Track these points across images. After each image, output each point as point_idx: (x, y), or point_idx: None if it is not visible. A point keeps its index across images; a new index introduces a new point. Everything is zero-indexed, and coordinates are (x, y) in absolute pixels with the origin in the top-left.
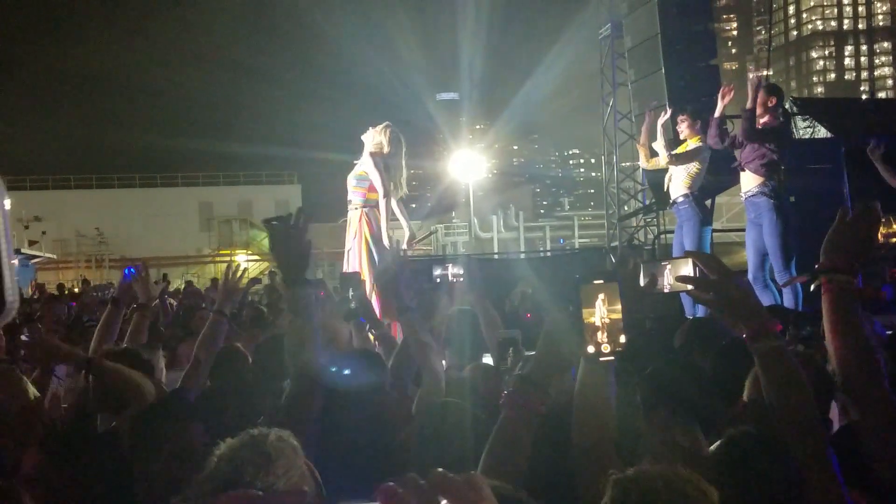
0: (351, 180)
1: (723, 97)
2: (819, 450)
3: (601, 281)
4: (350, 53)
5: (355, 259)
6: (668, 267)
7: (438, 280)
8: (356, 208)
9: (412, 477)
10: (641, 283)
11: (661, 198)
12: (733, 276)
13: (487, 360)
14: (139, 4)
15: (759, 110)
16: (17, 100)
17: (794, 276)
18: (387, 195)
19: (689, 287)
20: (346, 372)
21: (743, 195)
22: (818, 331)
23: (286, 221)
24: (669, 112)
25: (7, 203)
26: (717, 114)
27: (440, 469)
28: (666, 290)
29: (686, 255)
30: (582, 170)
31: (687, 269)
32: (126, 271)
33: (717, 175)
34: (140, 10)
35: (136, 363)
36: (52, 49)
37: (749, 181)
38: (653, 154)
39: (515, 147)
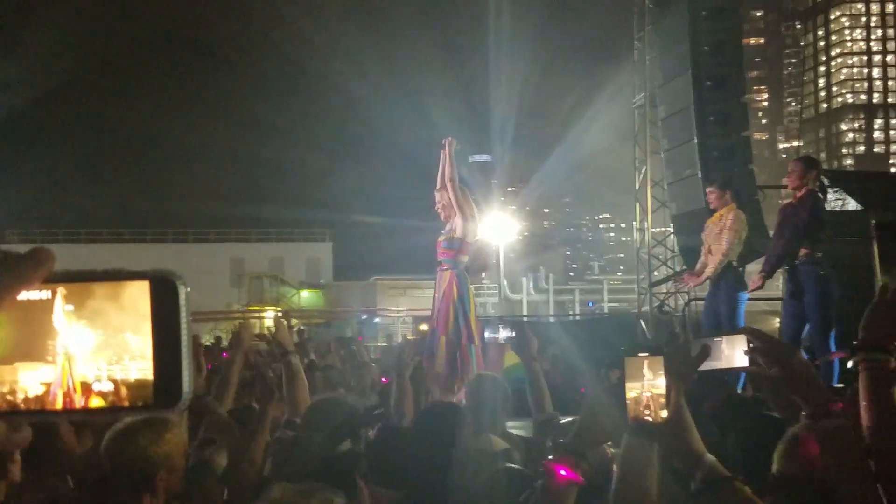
0: (442, 242)
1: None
2: None
3: (646, 354)
4: (384, 115)
5: (443, 319)
6: (723, 343)
7: (487, 342)
8: (446, 269)
9: None
10: (692, 354)
11: (694, 265)
12: (794, 352)
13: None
14: (177, 70)
15: (797, 184)
16: (54, 158)
17: (832, 348)
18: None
19: (746, 364)
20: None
21: (786, 264)
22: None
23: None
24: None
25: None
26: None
27: None
28: (721, 367)
29: (741, 331)
30: (612, 234)
31: (742, 345)
32: None
33: (749, 244)
34: (176, 75)
35: None
36: (92, 109)
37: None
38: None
39: (547, 210)
